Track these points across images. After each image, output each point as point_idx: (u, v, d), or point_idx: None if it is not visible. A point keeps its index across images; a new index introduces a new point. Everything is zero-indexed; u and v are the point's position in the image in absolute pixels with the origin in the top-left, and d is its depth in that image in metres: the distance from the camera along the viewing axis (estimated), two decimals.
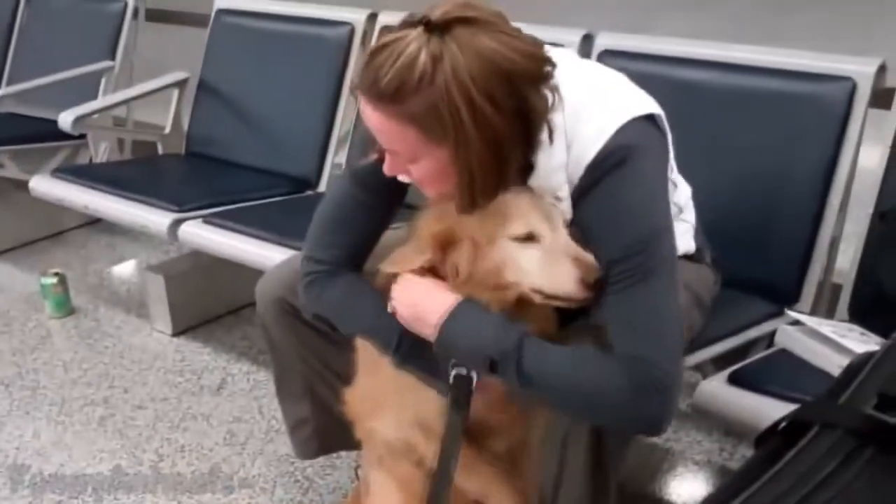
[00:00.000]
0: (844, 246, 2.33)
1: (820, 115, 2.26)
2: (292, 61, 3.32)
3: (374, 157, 1.66)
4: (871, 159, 2.26)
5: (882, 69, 2.24)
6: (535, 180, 1.63)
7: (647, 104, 1.63)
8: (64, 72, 3.78)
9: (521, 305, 1.65)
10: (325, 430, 2.15)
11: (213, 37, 3.58)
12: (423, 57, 1.46)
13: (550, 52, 1.57)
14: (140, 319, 3.40)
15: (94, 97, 3.77)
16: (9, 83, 4.13)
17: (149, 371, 3.07)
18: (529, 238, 1.60)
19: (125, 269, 3.88)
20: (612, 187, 1.56)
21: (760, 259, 2.28)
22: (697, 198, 1.97)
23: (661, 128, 1.65)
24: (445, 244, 1.64)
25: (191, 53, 3.66)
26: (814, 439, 1.10)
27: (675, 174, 1.85)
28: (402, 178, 1.66)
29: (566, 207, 1.63)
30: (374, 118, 1.54)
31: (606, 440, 1.61)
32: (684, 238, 1.92)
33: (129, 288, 3.69)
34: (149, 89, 3.62)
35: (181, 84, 3.60)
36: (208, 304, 3.37)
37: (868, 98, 2.23)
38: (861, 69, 2.24)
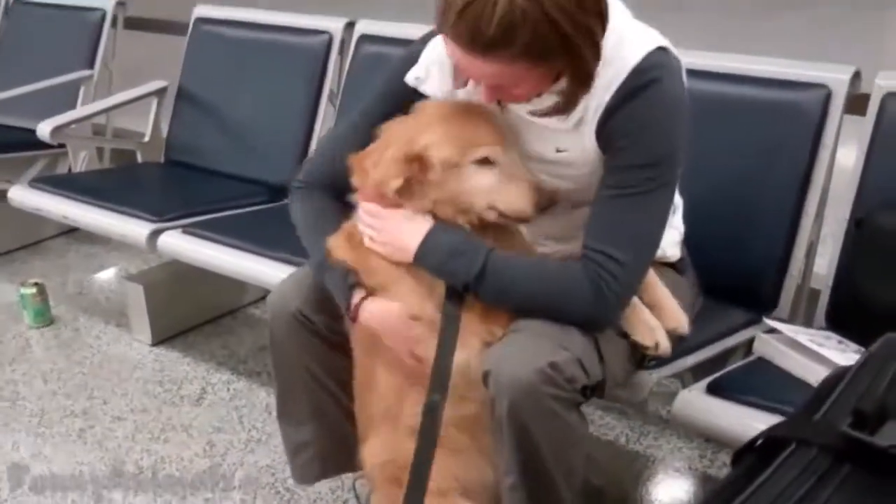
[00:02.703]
0: (822, 249, 2.34)
1: (796, 122, 2.27)
2: (271, 70, 3.32)
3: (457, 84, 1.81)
4: (851, 160, 2.27)
5: (857, 76, 2.25)
6: None
7: (664, 39, 1.74)
8: (43, 81, 3.76)
9: (485, 228, 1.79)
10: (327, 454, 2.12)
11: (191, 45, 3.58)
12: None
13: None
14: (119, 329, 3.39)
15: (73, 106, 3.76)
16: None
17: (128, 381, 3.06)
18: (486, 162, 1.74)
19: (104, 279, 3.86)
20: (647, 102, 1.67)
21: (738, 266, 2.28)
22: None
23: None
24: (415, 162, 1.75)
25: (170, 60, 3.65)
26: (789, 457, 1.10)
27: None
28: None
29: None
30: (480, 66, 1.60)
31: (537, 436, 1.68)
32: (671, 243, 1.96)
33: (109, 297, 3.67)
34: (127, 98, 3.60)
35: (160, 93, 3.59)
36: (188, 314, 3.36)
37: (843, 105, 2.24)
38: (836, 76, 2.25)
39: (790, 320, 2.25)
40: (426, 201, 1.77)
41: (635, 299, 1.80)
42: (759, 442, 1.19)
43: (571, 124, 1.72)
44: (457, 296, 1.76)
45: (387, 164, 1.77)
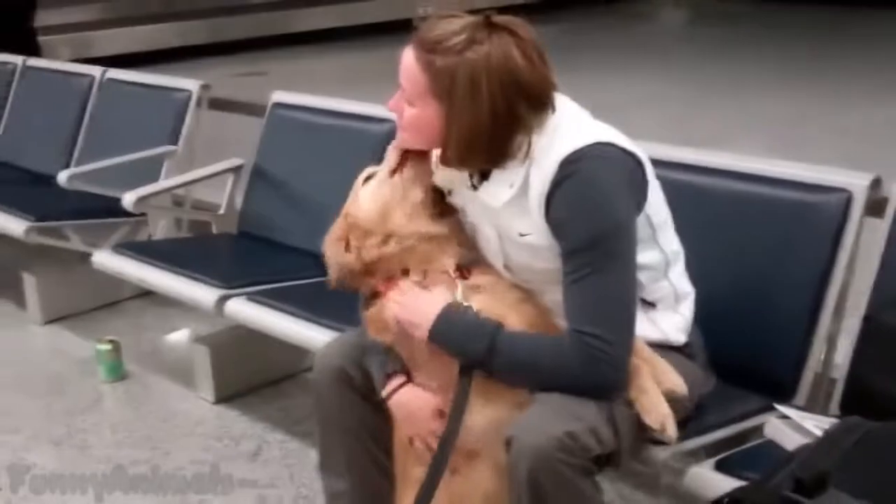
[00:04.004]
0: (843, 340, 2.45)
1: (818, 223, 2.39)
2: (339, 152, 3.53)
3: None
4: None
5: (877, 182, 2.39)
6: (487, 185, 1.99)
7: (620, 138, 1.95)
8: (130, 154, 4.06)
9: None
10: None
11: (268, 126, 3.84)
12: (466, 34, 1.87)
13: (560, 97, 1.95)
14: (186, 387, 3.59)
15: (157, 177, 4.02)
16: (78, 163, 4.41)
17: (190, 436, 3.26)
18: (370, 178, 2.15)
19: (175, 339, 4.09)
20: (574, 188, 1.88)
21: (758, 355, 2.40)
22: (699, 294, 2.17)
23: (635, 156, 1.95)
24: (345, 233, 2.14)
25: (246, 137, 3.93)
26: None
27: (679, 265, 2.10)
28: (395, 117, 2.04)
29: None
30: (407, 56, 1.94)
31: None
32: (675, 329, 2.10)
33: (179, 356, 3.89)
34: (206, 174, 3.89)
35: (237, 170, 3.86)
36: (250, 375, 3.56)
37: (863, 209, 2.37)
38: (857, 182, 2.39)
39: (808, 408, 2.37)
40: (401, 249, 2.05)
41: (650, 385, 1.95)
42: (726, 501, 1.35)
43: (502, 201, 1.95)
44: (468, 370, 1.96)
45: (333, 257, 2.15)
